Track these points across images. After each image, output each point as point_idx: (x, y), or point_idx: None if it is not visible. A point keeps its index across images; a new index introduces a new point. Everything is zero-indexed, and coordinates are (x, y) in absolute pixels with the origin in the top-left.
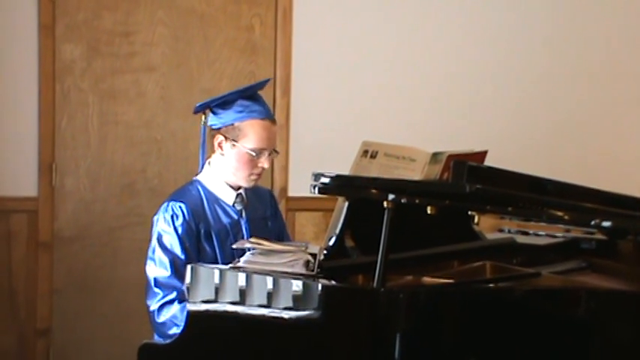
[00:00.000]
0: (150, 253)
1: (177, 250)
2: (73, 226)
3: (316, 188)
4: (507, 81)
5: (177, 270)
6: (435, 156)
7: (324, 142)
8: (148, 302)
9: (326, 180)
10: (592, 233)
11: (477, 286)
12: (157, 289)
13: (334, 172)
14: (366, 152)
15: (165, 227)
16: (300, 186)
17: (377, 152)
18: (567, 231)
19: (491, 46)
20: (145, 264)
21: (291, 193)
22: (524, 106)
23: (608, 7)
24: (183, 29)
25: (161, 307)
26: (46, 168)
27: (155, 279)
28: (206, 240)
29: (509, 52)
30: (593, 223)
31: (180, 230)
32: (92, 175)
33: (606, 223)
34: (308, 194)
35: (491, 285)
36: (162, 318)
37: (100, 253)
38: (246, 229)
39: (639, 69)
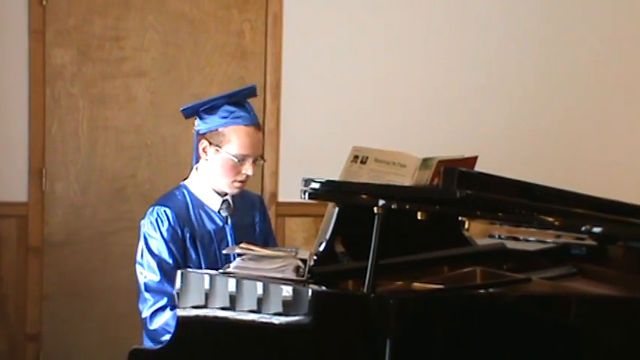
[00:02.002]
0: (138, 258)
1: (164, 254)
2: (63, 231)
3: (306, 194)
4: (498, 86)
5: (167, 274)
6: (426, 161)
7: (315, 147)
8: (140, 308)
9: (316, 185)
10: (582, 239)
11: (467, 292)
12: (147, 295)
13: (324, 177)
14: (356, 158)
15: (151, 232)
16: (290, 191)
17: (367, 158)
18: (558, 237)
19: (482, 51)
20: (134, 268)
21: (281, 199)
22: (515, 112)
23: (602, 12)
24: (174, 34)
25: (153, 314)
26: (36, 173)
27: (145, 284)
28: (192, 245)
29: (500, 58)
30: (583, 228)
31: (166, 235)
32: (82, 180)
33: (597, 229)
34: (298, 199)
35: (481, 291)
36: (154, 325)
37: (90, 258)
38: (230, 235)
39: (633, 74)
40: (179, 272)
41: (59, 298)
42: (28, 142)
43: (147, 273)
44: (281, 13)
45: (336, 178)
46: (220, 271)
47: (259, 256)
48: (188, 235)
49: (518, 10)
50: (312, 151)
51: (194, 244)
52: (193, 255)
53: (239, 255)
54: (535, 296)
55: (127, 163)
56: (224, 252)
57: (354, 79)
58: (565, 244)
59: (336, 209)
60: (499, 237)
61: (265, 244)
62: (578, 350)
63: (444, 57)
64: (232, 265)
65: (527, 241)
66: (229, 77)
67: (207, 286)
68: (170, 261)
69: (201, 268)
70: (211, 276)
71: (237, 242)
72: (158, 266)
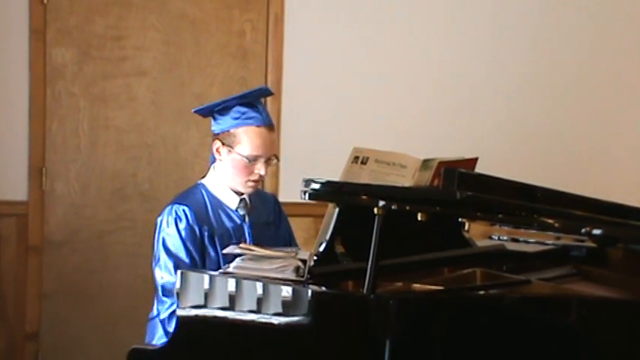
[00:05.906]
0: (156, 257)
1: (181, 253)
2: (62, 231)
3: (307, 194)
4: (497, 88)
5: None
6: (426, 162)
7: (315, 147)
8: (158, 309)
9: (316, 186)
10: (582, 241)
11: (467, 293)
12: (164, 298)
13: (325, 178)
14: (356, 158)
15: (169, 230)
16: (291, 192)
17: (368, 158)
18: (557, 238)
19: (483, 53)
20: (152, 267)
21: (281, 199)
22: (516, 114)
23: (597, 12)
24: (175, 34)
25: (170, 315)
26: (36, 172)
27: (163, 286)
28: (210, 243)
29: (501, 60)
30: (583, 230)
31: (183, 234)
32: (82, 180)
33: (596, 231)
34: (298, 200)
35: (481, 292)
36: (172, 327)
37: (89, 258)
38: (249, 233)
39: (634, 74)
40: (178, 272)
41: (58, 297)
42: (29, 141)
43: (163, 274)
44: (282, 13)
45: (336, 178)
46: (220, 271)
47: (259, 257)
48: (207, 234)
49: (520, 12)
50: (313, 152)
51: (212, 243)
52: (212, 253)
53: (239, 255)
54: (535, 298)
55: (128, 163)
56: (223, 252)
57: (355, 80)
58: (565, 246)
59: (337, 210)
60: (499, 238)
61: (287, 244)
62: (577, 352)
63: (445, 58)
64: (232, 265)
65: (527, 242)
66: (230, 77)
67: (206, 286)
68: (187, 260)
69: (219, 266)
70: (211, 276)
71: (255, 240)
72: (174, 266)
